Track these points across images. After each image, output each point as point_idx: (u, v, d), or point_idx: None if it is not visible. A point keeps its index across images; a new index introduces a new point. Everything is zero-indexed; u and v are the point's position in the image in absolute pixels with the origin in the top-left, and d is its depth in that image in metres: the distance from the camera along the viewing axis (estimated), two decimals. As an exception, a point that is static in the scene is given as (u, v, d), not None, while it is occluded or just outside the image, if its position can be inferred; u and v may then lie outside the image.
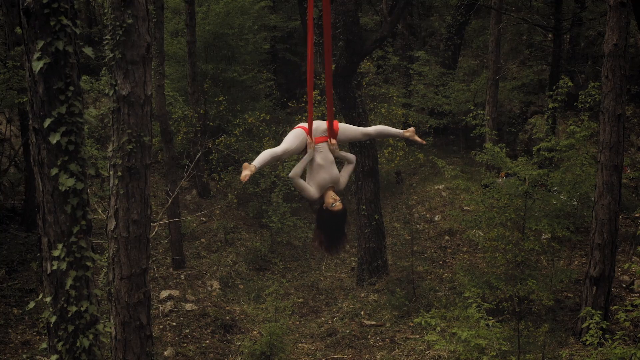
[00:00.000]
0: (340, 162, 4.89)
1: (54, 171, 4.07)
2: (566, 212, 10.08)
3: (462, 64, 18.62)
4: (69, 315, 4.23)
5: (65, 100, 4.02)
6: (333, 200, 4.61)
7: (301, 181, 4.56)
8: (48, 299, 4.28)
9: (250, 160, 13.85)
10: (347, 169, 4.89)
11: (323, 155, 4.62)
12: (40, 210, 4.22)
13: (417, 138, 4.95)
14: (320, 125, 4.66)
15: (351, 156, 4.94)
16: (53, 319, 4.22)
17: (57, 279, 4.21)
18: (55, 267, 4.18)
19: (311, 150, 4.54)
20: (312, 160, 4.61)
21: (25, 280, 10.85)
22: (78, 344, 4.22)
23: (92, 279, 4.35)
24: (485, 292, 9.01)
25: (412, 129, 4.94)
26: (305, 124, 4.64)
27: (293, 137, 4.54)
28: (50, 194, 4.13)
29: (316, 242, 4.80)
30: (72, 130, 4.07)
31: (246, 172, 4.21)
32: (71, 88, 4.04)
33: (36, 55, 3.93)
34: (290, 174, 4.55)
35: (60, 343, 4.24)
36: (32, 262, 11.08)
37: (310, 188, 4.59)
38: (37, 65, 3.92)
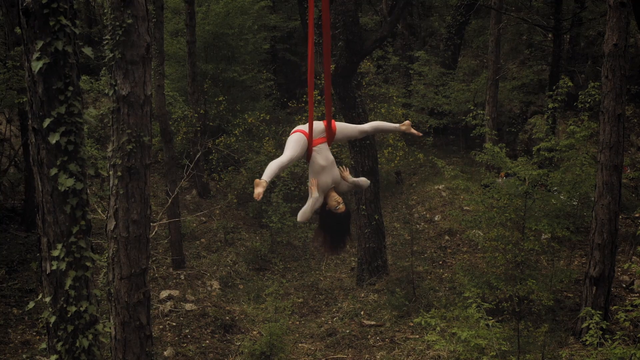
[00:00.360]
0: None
1: (54, 171, 4.07)
2: (566, 212, 10.07)
3: (462, 64, 18.63)
4: (69, 316, 4.22)
5: (64, 101, 4.02)
6: (337, 203, 4.57)
7: (310, 214, 4.55)
8: (47, 299, 4.28)
9: (250, 159, 13.74)
10: (354, 186, 4.86)
11: (324, 155, 4.57)
12: (39, 211, 4.21)
13: (413, 131, 4.93)
14: (318, 125, 4.62)
15: (364, 182, 4.89)
16: (52, 319, 4.21)
17: (57, 279, 4.20)
18: (54, 267, 4.18)
19: (315, 197, 4.51)
20: (313, 162, 4.53)
21: (25, 280, 10.85)
22: (77, 344, 4.22)
23: (91, 279, 4.35)
24: (485, 292, 9.01)
25: (407, 122, 4.93)
26: (302, 127, 4.60)
27: (295, 144, 4.46)
28: (49, 194, 4.13)
29: (317, 242, 4.78)
30: (71, 130, 4.07)
31: (259, 190, 4.15)
32: (70, 88, 4.04)
33: (35, 55, 3.92)
34: (300, 219, 4.51)
35: (60, 343, 4.24)
36: (32, 262, 11.08)
37: (315, 202, 4.56)
38: (37, 66, 3.91)
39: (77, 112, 4.07)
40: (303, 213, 4.51)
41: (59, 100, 4.02)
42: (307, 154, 4.54)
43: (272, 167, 4.32)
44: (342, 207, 4.57)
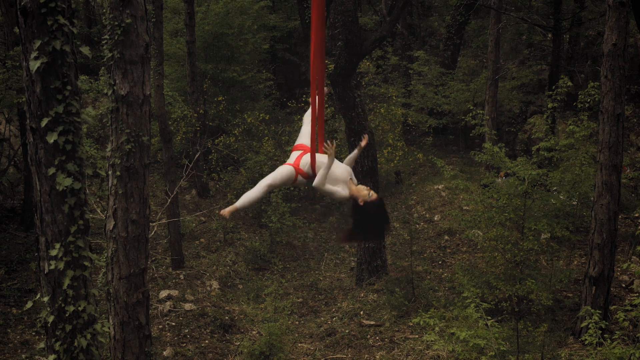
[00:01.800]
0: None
1: (52, 171, 4.06)
2: (565, 212, 10.06)
3: (461, 63, 18.63)
4: (67, 315, 4.22)
5: (62, 100, 4.01)
6: (367, 191, 4.41)
7: (328, 186, 4.37)
8: (45, 299, 4.27)
9: (250, 159, 13.64)
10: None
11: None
12: (37, 210, 4.21)
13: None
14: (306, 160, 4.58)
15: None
16: (51, 319, 4.21)
17: (55, 278, 4.20)
18: (52, 267, 4.17)
19: (332, 157, 4.36)
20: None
21: (25, 280, 10.85)
22: (76, 344, 4.21)
23: (89, 279, 4.35)
24: (484, 292, 9.00)
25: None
26: (296, 155, 4.62)
27: (278, 173, 4.57)
28: (47, 193, 4.12)
29: (353, 238, 4.71)
30: (69, 129, 4.06)
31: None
32: (69, 87, 4.03)
33: (33, 54, 3.92)
34: (316, 183, 4.34)
35: (58, 343, 4.23)
36: (32, 262, 11.08)
37: (339, 189, 4.39)
38: (35, 65, 3.90)
39: (75, 112, 4.06)
40: (319, 178, 4.31)
41: (57, 99, 4.01)
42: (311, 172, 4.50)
43: (246, 197, 4.57)
44: (373, 193, 4.38)
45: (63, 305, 4.19)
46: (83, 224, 4.24)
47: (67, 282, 4.13)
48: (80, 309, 4.20)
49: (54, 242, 4.17)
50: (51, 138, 3.97)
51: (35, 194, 4.22)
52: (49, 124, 3.99)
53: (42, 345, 4.43)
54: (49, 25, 3.92)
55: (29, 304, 4.51)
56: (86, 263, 4.27)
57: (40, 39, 3.92)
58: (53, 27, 3.91)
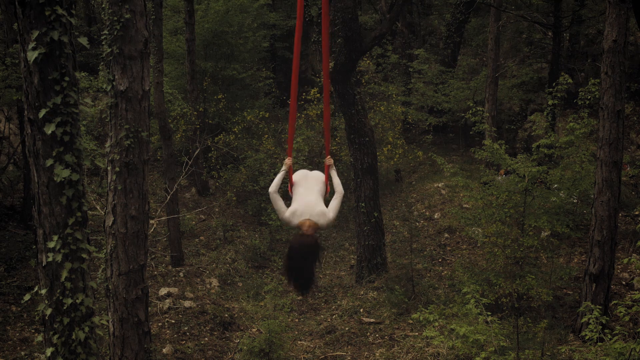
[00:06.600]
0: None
1: (49, 162, 4.03)
2: (566, 210, 10.04)
3: (461, 62, 18.60)
4: (65, 308, 4.20)
5: (60, 91, 3.99)
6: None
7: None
8: (43, 291, 4.25)
9: (249, 157, 13.57)
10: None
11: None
12: (35, 202, 4.18)
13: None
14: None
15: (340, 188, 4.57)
16: (48, 312, 4.19)
17: (53, 271, 4.18)
18: (50, 259, 4.15)
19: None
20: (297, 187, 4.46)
21: (24, 278, 10.83)
22: (74, 337, 4.19)
23: (87, 271, 4.32)
24: (484, 289, 8.98)
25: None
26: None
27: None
28: (45, 185, 4.10)
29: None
30: (67, 120, 4.04)
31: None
32: (66, 78, 4.01)
33: (31, 45, 3.89)
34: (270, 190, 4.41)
35: (56, 336, 4.21)
36: (31, 260, 11.07)
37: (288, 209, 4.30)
38: (32, 55, 3.88)
39: (73, 103, 4.04)
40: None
41: (54, 90, 3.99)
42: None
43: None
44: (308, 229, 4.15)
45: (61, 297, 4.17)
46: (81, 216, 4.22)
47: (65, 274, 4.11)
48: (78, 301, 4.18)
49: (52, 234, 4.14)
50: (49, 129, 3.94)
51: (33, 186, 4.19)
52: (46, 115, 3.97)
53: (39, 338, 4.41)
54: (46, 16, 3.90)
55: (27, 296, 4.49)
56: (84, 255, 4.25)
57: (38, 29, 3.90)
58: (51, 18, 3.89)
